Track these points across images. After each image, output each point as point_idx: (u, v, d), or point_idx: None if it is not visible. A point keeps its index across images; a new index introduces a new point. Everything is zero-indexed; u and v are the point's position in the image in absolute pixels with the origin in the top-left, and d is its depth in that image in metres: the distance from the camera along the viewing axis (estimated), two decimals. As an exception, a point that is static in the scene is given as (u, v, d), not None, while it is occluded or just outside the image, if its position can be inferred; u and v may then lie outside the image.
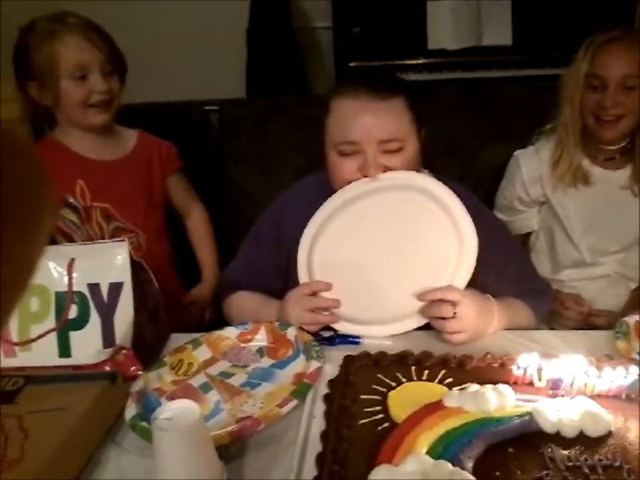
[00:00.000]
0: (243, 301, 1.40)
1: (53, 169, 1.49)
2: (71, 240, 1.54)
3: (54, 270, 1.16)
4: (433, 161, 1.34)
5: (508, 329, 1.24)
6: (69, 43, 1.44)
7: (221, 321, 1.41)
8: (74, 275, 1.16)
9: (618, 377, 0.95)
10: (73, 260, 1.16)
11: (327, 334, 1.25)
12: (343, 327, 1.25)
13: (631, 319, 1.20)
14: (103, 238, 1.55)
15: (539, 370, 0.98)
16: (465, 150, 1.90)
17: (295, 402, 1.00)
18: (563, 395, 0.95)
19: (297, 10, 3.36)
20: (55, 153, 1.54)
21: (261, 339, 1.24)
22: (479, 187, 1.74)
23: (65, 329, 1.15)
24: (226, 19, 3.30)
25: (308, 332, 1.21)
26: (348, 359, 1.10)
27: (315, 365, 1.10)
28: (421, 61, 3.12)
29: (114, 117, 1.55)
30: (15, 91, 1.52)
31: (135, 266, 1.19)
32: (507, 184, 1.74)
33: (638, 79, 1.49)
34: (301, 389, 1.04)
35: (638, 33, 1.57)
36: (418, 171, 1.27)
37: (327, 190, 1.29)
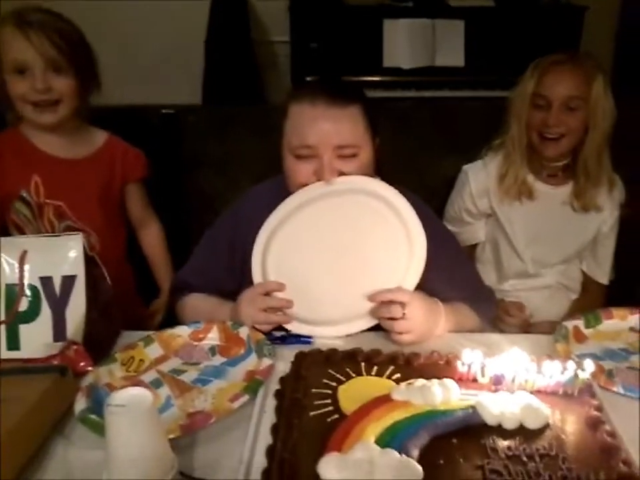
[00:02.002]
0: (196, 302, 1.41)
1: (10, 161, 1.48)
2: (22, 233, 1.53)
3: (5, 262, 1.15)
4: (387, 172, 1.37)
5: (454, 332, 1.29)
6: (12, 37, 1.42)
7: (171, 321, 1.41)
8: (26, 267, 1.15)
9: (556, 374, 1.00)
10: (25, 252, 1.15)
11: (279, 334, 1.26)
12: (295, 327, 1.27)
13: (570, 324, 1.26)
14: (54, 235, 1.53)
15: (482, 367, 1.02)
16: (418, 163, 1.95)
17: (246, 397, 1.02)
18: (504, 390, 0.99)
19: (256, 23, 3.40)
20: (15, 145, 1.53)
21: (213, 337, 1.25)
22: (431, 199, 1.79)
23: (14, 322, 1.14)
24: (185, 29, 3.31)
25: (260, 331, 1.23)
26: (299, 356, 1.12)
27: (266, 362, 1.12)
28: (376, 78, 3.19)
29: (69, 117, 1.52)
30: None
31: (88, 261, 1.18)
32: (456, 196, 1.80)
33: (580, 101, 1.57)
34: (252, 385, 1.05)
35: (582, 57, 1.65)
36: (372, 177, 1.31)
37: (283, 193, 1.32)
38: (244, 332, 1.22)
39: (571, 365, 1.00)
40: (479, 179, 1.74)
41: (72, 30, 1.49)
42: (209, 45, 3.23)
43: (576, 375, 0.99)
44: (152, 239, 1.77)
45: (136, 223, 1.75)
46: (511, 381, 1.00)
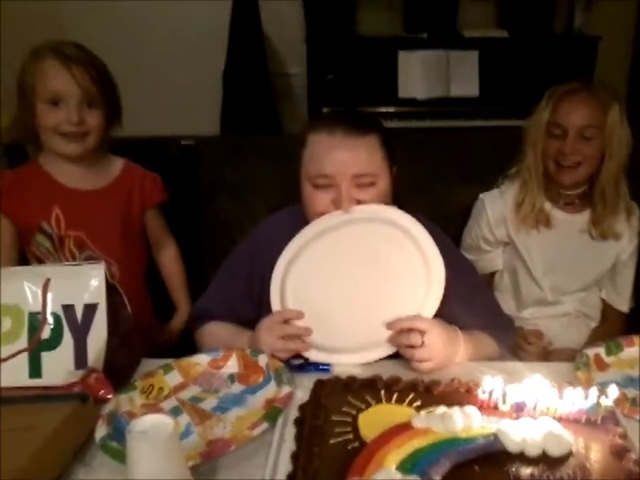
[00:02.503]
0: (215, 331, 1.42)
1: (31, 194, 1.52)
2: None
3: (28, 290, 1.16)
4: (403, 201, 1.38)
5: (473, 360, 1.28)
6: (49, 68, 1.46)
7: (190, 349, 1.41)
8: (49, 295, 1.16)
9: (579, 400, 0.99)
10: (48, 280, 1.17)
11: (297, 362, 1.26)
12: (313, 355, 1.26)
13: (591, 351, 1.25)
14: (74, 266, 1.55)
15: (504, 394, 1.02)
16: (434, 192, 1.95)
17: (265, 425, 1.01)
18: (526, 417, 0.98)
19: (273, 55, 3.46)
20: (35, 178, 1.56)
21: (232, 365, 1.25)
22: (448, 227, 1.79)
23: (37, 349, 1.15)
24: (204, 61, 3.38)
25: (279, 359, 1.23)
26: (319, 384, 1.12)
27: (285, 390, 1.12)
28: (391, 109, 3.22)
29: (94, 148, 1.56)
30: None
31: (110, 289, 1.20)
32: (473, 225, 1.80)
33: (595, 130, 1.58)
34: (271, 412, 1.05)
35: (597, 86, 1.66)
36: (389, 205, 1.32)
37: (301, 222, 1.33)
38: (263, 360, 1.22)
39: (594, 391, 0.99)
40: (495, 207, 1.74)
41: (102, 65, 1.54)
42: (227, 77, 3.29)
43: (599, 402, 0.98)
44: (169, 259, 1.79)
45: (154, 245, 1.77)
46: (533, 408, 0.99)
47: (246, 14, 3.24)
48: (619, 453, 0.91)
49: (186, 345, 1.52)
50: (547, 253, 1.71)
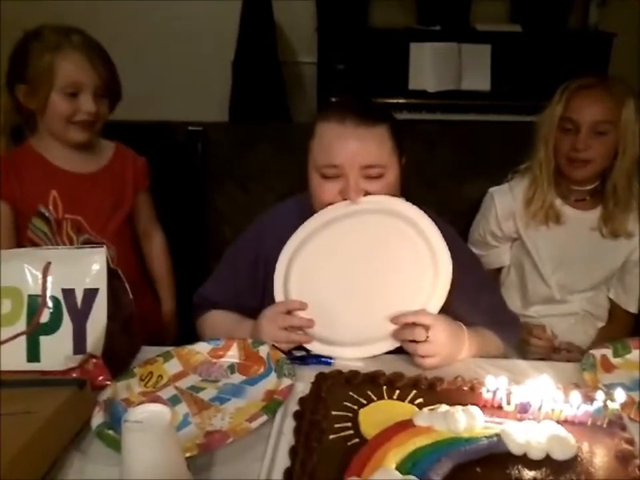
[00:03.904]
0: (216, 319, 1.40)
1: (27, 177, 1.50)
2: None
3: (28, 273, 1.15)
4: (412, 194, 1.36)
5: (478, 357, 1.26)
6: (71, 59, 1.45)
7: (191, 337, 1.39)
8: (49, 278, 1.15)
9: (584, 404, 0.97)
10: (49, 264, 1.15)
11: (299, 353, 1.25)
12: (315, 347, 1.25)
13: (598, 352, 1.23)
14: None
15: (508, 394, 1.00)
16: (443, 186, 1.94)
17: (264, 417, 1.00)
18: (530, 419, 0.96)
19: (284, 45, 3.44)
20: (31, 162, 1.54)
21: (232, 355, 1.23)
22: (457, 222, 1.77)
23: (35, 333, 1.14)
24: (214, 48, 3.36)
25: (280, 350, 1.21)
26: (320, 377, 1.10)
27: (286, 382, 1.10)
28: (401, 101, 3.20)
29: (95, 135, 1.55)
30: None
31: (111, 274, 1.18)
32: (481, 219, 1.78)
33: (609, 125, 1.55)
34: (271, 405, 1.04)
35: (611, 81, 1.63)
36: (397, 197, 1.30)
37: (307, 212, 1.31)
38: (264, 350, 1.21)
39: (600, 394, 0.97)
40: (504, 202, 1.72)
41: (105, 51, 1.53)
42: (237, 66, 3.27)
43: (605, 406, 0.96)
44: (156, 250, 1.76)
45: (141, 232, 1.74)
46: (537, 410, 0.97)
47: (258, 2, 3.22)
48: (625, 458, 0.89)
49: (187, 333, 1.51)
50: (556, 249, 1.69)
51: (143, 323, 1.33)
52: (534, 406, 0.98)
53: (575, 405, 0.97)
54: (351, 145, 1.24)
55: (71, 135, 1.51)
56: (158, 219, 1.77)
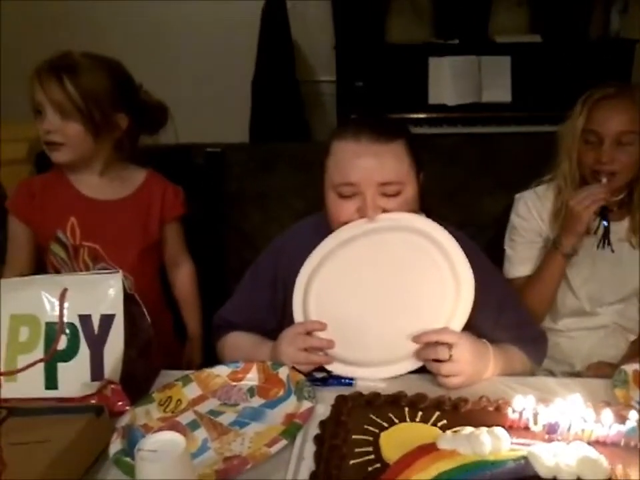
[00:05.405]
0: (236, 341, 1.39)
1: (50, 202, 1.50)
2: None
3: (46, 300, 1.15)
4: (432, 209, 1.34)
5: (503, 375, 1.22)
6: (39, 79, 1.45)
7: (211, 360, 1.38)
8: (65, 305, 1.15)
9: (616, 423, 0.93)
10: (65, 290, 1.15)
11: (319, 375, 1.22)
12: (336, 368, 1.22)
13: (630, 368, 1.18)
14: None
15: (535, 414, 0.96)
16: (464, 199, 1.91)
17: (284, 442, 0.98)
18: (559, 440, 0.93)
19: (302, 64, 3.46)
20: (57, 186, 1.55)
21: (252, 377, 1.22)
22: (478, 236, 1.73)
23: (53, 360, 1.13)
24: (233, 69, 3.39)
25: (300, 372, 1.19)
26: (340, 399, 1.08)
27: (306, 405, 1.08)
28: (421, 115, 3.19)
29: (81, 158, 1.52)
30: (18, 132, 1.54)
31: (128, 299, 1.17)
32: (520, 222, 1.70)
33: (633, 135, 1.51)
34: (290, 429, 1.02)
35: (633, 90, 1.59)
36: (416, 213, 1.27)
37: (325, 230, 1.29)
38: (284, 372, 1.19)
39: (633, 413, 0.93)
40: (536, 206, 1.67)
41: (104, 76, 1.49)
42: (256, 86, 3.29)
43: (639, 425, 0.92)
44: (184, 279, 1.74)
45: (169, 261, 1.72)
46: (567, 430, 0.94)
47: (275, 22, 3.25)
48: (661, 480, 0.85)
49: (208, 356, 1.50)
50: (586, 261, 1.64)
51: (163, 351, 1.32)
52: (563, 426, 0.94)
53: (607, 425, 0.94)
54: (366, 162, 1.22)
55: (51, 157, 1.51)
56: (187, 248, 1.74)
